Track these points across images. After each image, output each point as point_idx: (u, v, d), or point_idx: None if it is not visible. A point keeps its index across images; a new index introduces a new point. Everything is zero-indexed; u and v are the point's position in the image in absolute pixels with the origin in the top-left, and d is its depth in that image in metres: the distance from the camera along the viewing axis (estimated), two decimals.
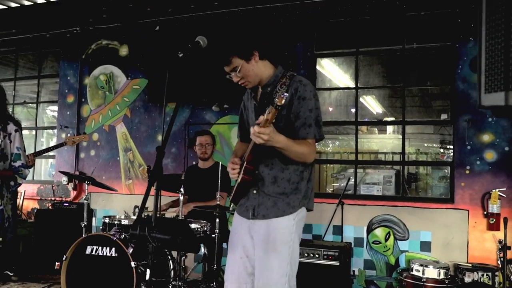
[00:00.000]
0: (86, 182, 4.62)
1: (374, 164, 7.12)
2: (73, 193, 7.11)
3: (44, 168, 9.15)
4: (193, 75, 5.99)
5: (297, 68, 5.87)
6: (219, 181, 4.20)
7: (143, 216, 2.25)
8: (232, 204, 3.04)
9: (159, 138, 6.66)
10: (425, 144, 10.86)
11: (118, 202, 6.78)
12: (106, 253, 3.82)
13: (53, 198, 7.16)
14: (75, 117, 7.27)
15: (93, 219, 6.16)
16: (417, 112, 9.81)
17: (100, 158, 7.06)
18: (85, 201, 4.55)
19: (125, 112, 6.96)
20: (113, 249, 3.80)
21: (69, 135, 5.15)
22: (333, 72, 7.52)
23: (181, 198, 4.07)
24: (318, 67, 6.43)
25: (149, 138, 6.77)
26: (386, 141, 11.30)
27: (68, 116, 7.34)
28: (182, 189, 4.06)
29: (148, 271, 2.19)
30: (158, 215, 4.42)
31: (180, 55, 2.53)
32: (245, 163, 2.72)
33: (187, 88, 6.06)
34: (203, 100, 6.28)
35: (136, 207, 6.54)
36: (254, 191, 2.78)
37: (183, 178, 4.05)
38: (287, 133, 2.62)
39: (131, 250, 2.33)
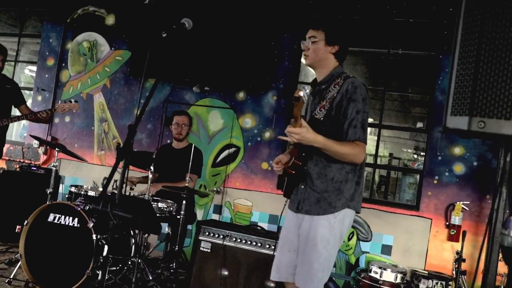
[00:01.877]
0: (56, 149, 4.57)
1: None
2: (43, 158, 7.03)
3: (16, 129, 9.02)
4: (177, 53, 5.95)
5: (282, 60, 5.88)
6: (190, 163, 4.20)
7: (107, 192, 2.27)
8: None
9: (136, 112, 6.61)
10: (402, 149, 11.01)
11: (88, 171, 6.73)
12: (68, 223, 3.80)
13: (22, 160, 7.08)
14: (53, 81, 7.17)
15: (61, 186, 6.10)
16: (395, 117, 9.91)
17: (74, 126, 6.99)
18: (53, 168, 4.50)
19: (104, 82, 6.89)
20: (76, 219, 3.78)
21: (60, 102, 5.04)
22: None
23: (150, 176, 4.07)
24: (303, 61, 6.44)
25: (126, 111, 6.72)
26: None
27: (46, 79, 7.23)
28: (152, 168, 4.05)
29: (106, 247, 2.20)
30: (123, 191, 4.44)
31: (164, 35, 2.53)
32: (293, 158, 2.82)
33: (169, 66, 6.01)
34: (184, 80, 6.24)
35: (105, 178, 6.56)
36: (302, 186, 2.87)
37: (154, 157, 4.05)
38: (336, 133, 2.69)
39: (91, 224, 2.33)
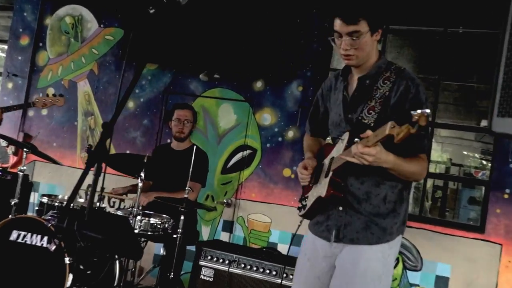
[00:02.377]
0: (24, 149, 4.51)
1: None
2: (13, 159, 7.01)
3: None
4: (180, 33, 5.92)
5: (310, 41, 5.82)
6: (191, 168, 4.13)
7: (76, 205, 2.17)
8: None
9: (130, 105, 6.57)
10: (464, 152, 10.79)
11: (69, 177, 6.70)
12: (36, 242, 3.76)
13: None
14: (27, 65, 7.17)
15: (33, 195, 6.07)
16: (456, 112, 9.69)
17: (53, 120, 6.98)
18: (20, 173, 4.44)
19: (91, 67, 6.88)
20: (46, 238, 3.72)
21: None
22: None
23: (140, 185, 4.00)
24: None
25: (117, 104, 6.66)
26: None
27: (19, 62, 7.24)
28: (142, 175, 3.98)
29: (70, 276, 2.10)
30: (95, 207, 4.37)
31: (151, 11, 2.40)
32: (331, 173, 2.73)
33: (171, 48, 6.01)
34: (188, 65, 6.22)
35: (89, 186, 6.50)
36: (340, 208, 2.80)
37: (145, 161, 3.96)
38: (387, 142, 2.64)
39: (53, 247, 2.26)
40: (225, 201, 5.95)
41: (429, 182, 6.95)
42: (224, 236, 5.92)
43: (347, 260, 2.75)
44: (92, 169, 2.11)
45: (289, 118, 5.85)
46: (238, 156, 6.03)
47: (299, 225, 3.07)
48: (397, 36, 6.34)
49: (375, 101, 2.73)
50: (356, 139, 2.64)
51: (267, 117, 5.94)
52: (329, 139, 3.17)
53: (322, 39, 5.79)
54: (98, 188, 5.58)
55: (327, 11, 5.71)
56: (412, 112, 2.47)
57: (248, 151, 6.00)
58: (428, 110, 2.19)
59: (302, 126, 5.69)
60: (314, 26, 5.80)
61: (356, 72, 2.89)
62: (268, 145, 5.90)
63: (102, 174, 5.67)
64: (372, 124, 2.69)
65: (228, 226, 5.95)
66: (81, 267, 3.66)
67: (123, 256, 3.96)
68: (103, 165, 4.40)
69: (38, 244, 3.76)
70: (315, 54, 5.81)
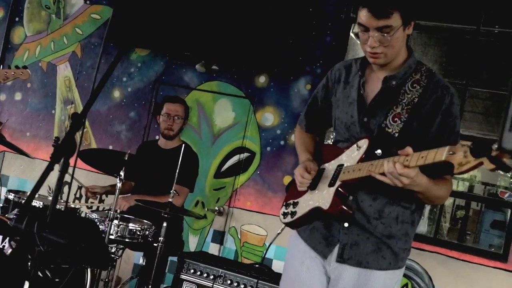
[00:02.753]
0: None
1: None
2: None
3: None
4: (177, 16, 5.93)
5: (323, 34, 5.85)
6: (178, 169, 4.20)
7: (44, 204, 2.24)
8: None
9: (116, 94, 6.65)
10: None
11: (37, 171, 6.78)
12: None
13: None
14: (0, 42, 7.26)
15: (0, 189, 6.15)
16: (485, 123, 9.72)
17: (27, 106, 7.07)
18: None
19: (74, 49, 6.96)
20: (7, 240, 3.77)
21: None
22: None
23: (119, 185, 4.09)
24: (353, 35, 6.38)
25: (102, 92, 6.66)
26: None
27: None
28: (122, 174, 4.07)
29: (27, 284, 2.18)
30: (70, 207, 4.43)
31: None
32: (339, 183, 2.72)
33: (165, 32, 6.02)
34: (184, 54, 6.24)
35: (66, 183, 6.61)
36: (346, 224, 2.77)
37: (126, 159, 4.06)
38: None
39: (9, 250, 2.33)
40: (216, 208, 6.00)
41: (448, 200, 7.00)
42: (213, 248, 5.97)
43: (350, 283, 2.74)
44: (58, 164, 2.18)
45: (294, 120, 5.80)
46: (234, 159, 6.08)
47: (278, 233, 3.10)
48: (422, 32, 6.37)
49: (402, 108, 2.68)
50: (378, 151, 2.67)
51: (269, 117, 5.97)
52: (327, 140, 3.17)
53: (336, 32, 5.83)
54: (72, 186, 5.71)
55: (345, 2, 5.80)
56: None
57: (246, 154, 6.03)
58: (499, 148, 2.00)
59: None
60: (329, 17, 5.85)
61: (378, 69, 2.83)
62: (268, 148, 5.94)
63: (74, 170, 5.80)
64: (396, 135, 2.67)
65: (219, 237, 6.00)
66: (47, 273, 3.74)
67: (88, 264, 4.00)
68: (77, 160, 4.47)
69: None
70: (327, 49, 5.84)
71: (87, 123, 6.73)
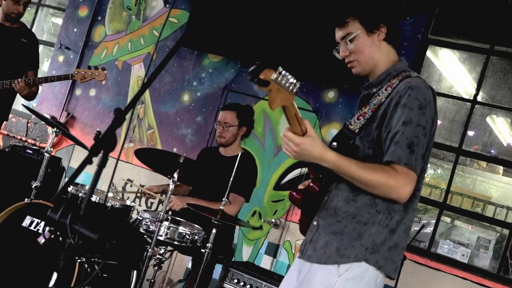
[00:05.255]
0: (54, 129, 4.68)
1: (469, 216, 6.86)
2: (51, 139, 7.24)
3: None
4: (251, 23, 5.93)
5: (398, 52, 5.71)
6: (232, 177, 4.15)
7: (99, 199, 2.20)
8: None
9: (185, 98, 6.68)
10: None
11: (108, 168, 6.83)
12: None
13: (24, 139, 7.36)
14: (82, 39, 7.43)
15: (64, 180, 6.24)
16: None
17: (100, 103, 7.19)
18: (47, 154, 4.60)
19: (149, 50, 7.04)
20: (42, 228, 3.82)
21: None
22: (451, 67, 7.25)
23: (171, 187, 4.06)
24: (431, 57, 6.22)
25: (171, 94, 6.80)
26: (511, 189, 10.86)
27: (74, 35, 7.51)
28: (175, 176, 4.04)
29: (54, 275, 2.16)
30: (99, 201, 4.44)
31: None
32: (310, 179, 2.75)
33: (239, 39, 6.02)
34: (255, 62, 6.20)
35: (128, 181, 6.68)
36: (315, 222, 2.80)
37: (181, 161, 4.02)
38: (378, 156, 2.59)
39: (42, 240, 2.32)
40: (273, 220, 5.96)
41: None
42: (266, 260, 5.93)
43: (301, 277, 2.74)
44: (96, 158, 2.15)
45: None
46: (296, 172, 6.02)
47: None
48: (502, 58, 6.19)
49: (369, 108, 2.70)
50: (333, 143, 2.71)
51: (334, 132, 5.76)
52: None
53: (412, 52, 5.72)
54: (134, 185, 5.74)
55: (424, 19, 5.67)
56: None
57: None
58: (288, 75, 2.20)
59: None
60: (404, 36, 5.73)
61: (369, 76, 2.87)
62: None
63: (137, 168, 5.82)
64: (356, 130, 2.68)
65: (273, 250, 5.95)
66: (96, 268, 3.75)
67: (116, 262, 3.99)
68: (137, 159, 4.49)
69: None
70: None
71: (154, 123, 6.78)
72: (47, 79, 5.36)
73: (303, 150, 2.40)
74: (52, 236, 2.35)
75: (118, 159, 6.61)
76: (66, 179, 6.40)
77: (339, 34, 2.80)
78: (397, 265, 2.69)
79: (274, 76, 2.17)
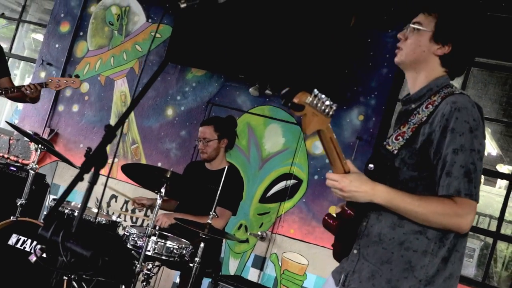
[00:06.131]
0: (39, 146, 4.64)
1: None
2: (34, 155, 7.19)
3: (8, 111, 9.33)
4: (233, 37, 5.94)
5: (379, 65, 5.82)
6: (219, 191, 4.14)
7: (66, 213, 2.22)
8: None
9: (169, 112, 6.67)
10: None
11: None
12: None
13: (6, 156, 7.30)
14: (64, 54, 7.41)
15: (49, 198, 6.20)
16: None
17: (83, 118, 7.16)
18: (31, 171, 4.57)
19: (132, 65, 7.03)
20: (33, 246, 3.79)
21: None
22: None
23: (159, 202, 4.05)
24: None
25: (155, 109, 6.79)
26: (493, 197, 10.91)
27: (56, 51, 7.48)
28: (162, 191, 4.03)
29: None
30: (87, 217, 4.41)
31: (183, 6, 2.46)
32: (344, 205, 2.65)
33: (222, 53, 6.03)
34: (238, 76, 6.25)
35: (113, 196, 6.64)
36: (355, 251, 2.63)
37: (168, 176, 4.02)
38: (421, 179, 2.48)
39: (34, 258, 2.30)
40: (259, 233, 5.94)
41: (504, 243, 6.78)
42: (253, 273, 5.91)
43: None
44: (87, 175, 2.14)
45: (344, 150, 5.56)
46: (281, 185, 6.02)
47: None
48: (483, 70, 6.24)
49: (408, 127, 2.54)
50: (370, 165, 2.58)
51: (319, 145, 5.85)
52: None
53: (393, 64, 5.74)
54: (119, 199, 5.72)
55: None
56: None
57: (293, 181, 5.97)
58: (324, 98, 2.16)
59: (357, 160, 5.62)
60: (386, 49, 5.78)
61: (410, 93, 2.73)
62: (316, 177, 5.86)
63: (121, 184, 5.79)
64: (395, 151, 2.52)
65: (259, 263, 5.93)
66: (83, 285, 3.72)
67: (108, 278, 3.96)
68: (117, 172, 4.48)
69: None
70: (383, 81, 5.77)
71: (138, 138, 6.76)
72: (19, 88, 5.29)
73: (346, 190, 2.36)
74: (44, 255, 2.33)
75: (108, 176, 6.55)
76: (51, 196, 6.37)
77: (417, 18, 2.65)
78: None
79: (309, 99, 2.12)
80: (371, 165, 2.59)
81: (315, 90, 2.15)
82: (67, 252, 2.08)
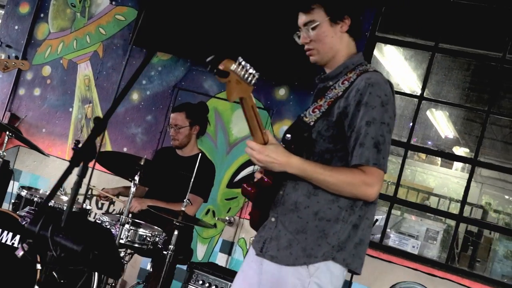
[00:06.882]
0: (7, 133, 4.56)
1: (418, 209, 7.01)
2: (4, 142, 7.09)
3: None
4: (199, 21, 5.89)
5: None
6: (192, 178, 4.13)
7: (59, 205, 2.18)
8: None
9: (135, 97, 6.60)
10: (506, 197, 10.65)
11: (56, 169, 6.74)
12: (6, 241, 3.75)
13: None
14: (24, 36, 7.25)
15: (12, 184, 6.08)
16: (503, 151, 9.63)
17: (45, 102, 7.04)
18: (0, 159, 4.49)
19: (96, 48, 6.93)
20: (17, 237, 3.73)
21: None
22: (397, 65, 7.38)
23: (133, 190, 4.01)
24: (377, 54, 6.31)
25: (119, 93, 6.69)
26: (450, 179, 11.14)
27: (16, 33, 7.32)
28: (136, 178, 3.99)
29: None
30: (79, 209, 4.37)
31: None
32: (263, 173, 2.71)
33: (188, 37, 5.98)
34: (205, 60, 6.18)
35: (77, 183, 6.54)
36: (273, 218, 2.74)
37: (142, 164, 3.98)
38: (335, 150, 2.63)
39: (21, 253, 2.27)
40: (227, 218, 5.95)
41: (461, 226, 6.92)
42: (221, 258, 5.92)
43: (269, 278, 2.69)
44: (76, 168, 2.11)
45: None
46: (248, 170, 6.02)
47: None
48: (446, 56, 6.32)
49: (325, 101, 2.69)
50: (287, 135, 2.70)
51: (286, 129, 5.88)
52: None
53: (359, 50, 5.77)
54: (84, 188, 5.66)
55: (370, 20, 5.74)
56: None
57: None
58: (248, 65, 2.24)
59: None
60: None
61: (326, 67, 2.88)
62: None
63: (90, 170, 5.73)
64: (311, 123, 2.65)
65: (227, 247, 5.95)
66: (54, 275, 3.67)
67: (98, 272, 3.93)
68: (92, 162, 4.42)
69: (9, 242, 3.78)
70: None
71: None
72: None
73: (265, 158, 2.47)
74: (30, 249, 2.29)
75: (93, 168, 6.45)
76: (15, 182, 6.26)
77: (302, 19, 2.79)
78: (363, 260, 2.70)
79: (233, 66, 2.20)
80: (288, 135, 2.72)
81: (240, 58, 2.24)
82: (57, 247, 2.05)
